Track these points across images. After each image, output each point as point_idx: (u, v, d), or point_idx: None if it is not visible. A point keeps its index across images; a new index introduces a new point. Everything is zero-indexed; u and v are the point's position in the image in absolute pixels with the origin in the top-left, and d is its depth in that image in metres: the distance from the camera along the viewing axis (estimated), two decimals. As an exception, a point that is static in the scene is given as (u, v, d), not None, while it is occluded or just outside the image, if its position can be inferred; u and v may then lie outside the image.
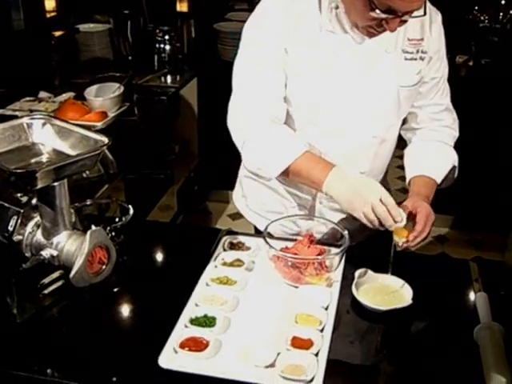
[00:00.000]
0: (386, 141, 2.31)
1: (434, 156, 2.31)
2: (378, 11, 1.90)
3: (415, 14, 1.94)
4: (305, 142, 2.18)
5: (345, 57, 2.12)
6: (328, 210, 2.36)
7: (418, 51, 2.18)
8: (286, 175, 2.15)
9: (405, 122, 2.39)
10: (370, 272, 2.04)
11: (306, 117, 2.21)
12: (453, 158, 2.35)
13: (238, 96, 2.22)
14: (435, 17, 2.20)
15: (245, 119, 2.20)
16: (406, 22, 1.97)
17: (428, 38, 2.18)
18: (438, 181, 2.27)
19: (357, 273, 2.03)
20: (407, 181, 2.32)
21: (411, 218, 2.08)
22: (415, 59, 2.18)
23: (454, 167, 2.34)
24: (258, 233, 2.49)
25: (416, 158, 2.35)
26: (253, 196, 2.52)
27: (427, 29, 2.17)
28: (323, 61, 2.12)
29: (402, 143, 2.44)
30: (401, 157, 2.39)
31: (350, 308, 1.95)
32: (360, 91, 2.17)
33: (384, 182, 2.45)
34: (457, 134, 2.40)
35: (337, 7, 2.07)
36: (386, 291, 1.99)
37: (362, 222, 2.12)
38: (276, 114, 2.18)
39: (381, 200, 1.97)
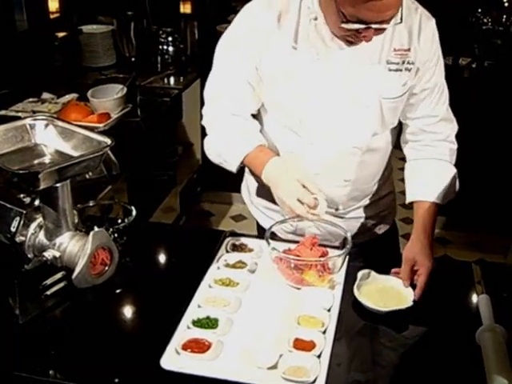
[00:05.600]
0: (373, 150, 2.27)
1: (435, 177, 2.25)
2: (349, 23, 1.88)
3: (392, 22, 1.91)
4: (261, 137, 2.21)
5: (324, 68, 2.10)
6: None
7: (403, 62, 2.10)
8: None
9: (400, 132, 2.36)
10: (372, 273, 2.05)
11: (286, 125, 2.22)
12: (453, 175, 2.28)
13: (206, 89, 2.30)
14: (426, 24, 2.12)
15: (207, 113, 2.30)
16: (383, 30, 1.93)
17: (415, 49, 2.10)
18: (442, 201, 2.22)
19: (359, 274, 2.04)
20: (407, 201, 2.28)
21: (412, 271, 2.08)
22: (400, 70, 2.11)
23: (454, 183, 2.28)
24: (260, 229, 2.51)
25: (417, 179, 2.29)
26: (255, 191, 2.53)
27: (415, 38, 2.10)
28: (301, 72, 2.11)
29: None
30: (403, 159, 2.38)
31: (352, 310, 1.95)
32: (340, 102, 2.14)
33: (383, 186, 2.44)
34: (455, 146, 2.31)
35: (316, 18, 2.05)
36: (388, 293, 2.00)
37: (359, 225, 2.29)
38: (239, 110, 2.22)
39: (299, 200, 2.02)
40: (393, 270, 2.09)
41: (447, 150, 2.29)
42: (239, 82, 2.18)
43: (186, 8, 4.95)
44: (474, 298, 2.03)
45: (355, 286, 1.99)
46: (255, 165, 2.16)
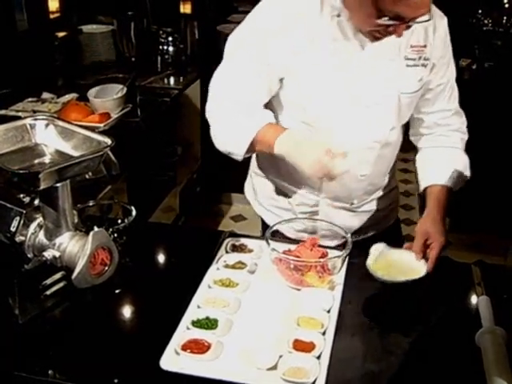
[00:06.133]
0: (388, 144, 2.31)
1: (447, 163, 2.32)
2: (385, 18, 1.90)
3: (420, 19, 1.93)
4: (271, 116, 2.16)
5: (345, 64, 2.12)
6: (331, 208, 2.38)
7: (420, 58, 2.17)
8: (254, 150, 2.17)
9: (411, 127, 2.41)
10: (385, 247, 2.08)
11: (304, 122, 2.22)
12: (465, 162, 2.35)
13: (212, 85, 2.26)
14: (440, 22, 2.18)
15: (213, 102, 2.24)
16: (410, 27, 1.97)
17: (431, 45, 2.17)
18: (454, 187, 2.28)
19: (372, 248, 2.07)
20: (421, 189, 2.33)
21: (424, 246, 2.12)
22: (417, 66, 2.17)
23: (466, 170, 2.35)
24: (266, 227, 2.48)
25: (429, 166, 2.36)
26: (261, 191, 2.54)
27: (430, 35, 2.16)
28: (322, 68, 2.13)
29: (405, 146, 2.43)
30: (404, 160, 2.39)
31: (352, 311, 1.94)
32: (360, 97, 2.17)
33: (392, 179, 2.51)
34: (466, 136, 2.41)
35: (339, 15, 2.07)
36: (401, 265, 2.04)
37: (370, 218, 2.36)
38: (247, 99, 2.18)
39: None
40: (405, 245, 2.13)
41: (459, 139, 2.38)
42: (252, 76, 2.15)
43: (185, 8, 4.95)
44: (474, 300, 2.03)
45: (368, 260, 2.02)
46: (268, 138, 2.08)
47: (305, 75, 2.14)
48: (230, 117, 2.18)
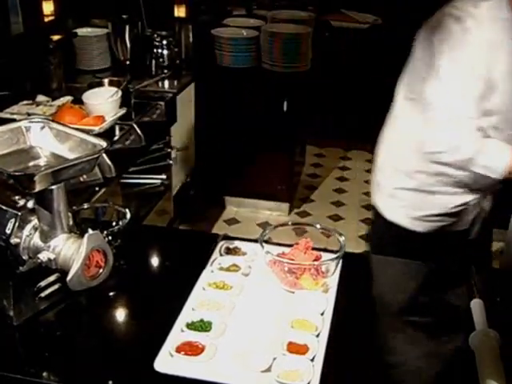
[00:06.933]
0: None
1: None
2: None
3: None
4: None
5: None
6: (485, 198, 2.66)
7: None
8: None
9: None
10: None
11: (495, 125, 2.38)
12: None
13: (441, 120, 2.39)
14: None
15: (464, 134, 2.36)
16: None
17: None
18: None
19: None
20: None
21: None
22: None
23: None
24: (414, 237, 2.64)
25: None
26: (417, 205, 2.65)
27: None
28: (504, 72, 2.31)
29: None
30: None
31: (346, 314, 1.95)
32: None
33: None
34: None
35: (504, 18, 2.26)
36: None
37: None
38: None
39: None
40: None
41: None
42: (473, 98, 2.31)
43: (180, 12, 4.96)
44: (467, 303, 2.03)
45: None
46: None
47: (501, 83, 2.31)
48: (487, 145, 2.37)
